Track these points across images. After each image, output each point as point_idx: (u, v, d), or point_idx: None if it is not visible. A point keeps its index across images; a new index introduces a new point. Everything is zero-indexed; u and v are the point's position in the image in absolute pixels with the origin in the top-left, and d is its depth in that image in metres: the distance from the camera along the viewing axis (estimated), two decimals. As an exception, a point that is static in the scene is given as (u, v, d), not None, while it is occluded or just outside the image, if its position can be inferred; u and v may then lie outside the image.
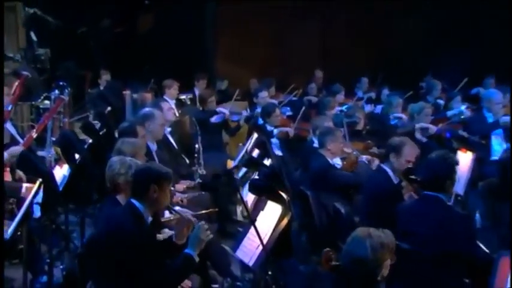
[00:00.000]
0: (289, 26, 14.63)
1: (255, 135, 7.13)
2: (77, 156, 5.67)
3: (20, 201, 4.99)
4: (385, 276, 3.51)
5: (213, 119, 8.82)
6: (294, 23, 14.64)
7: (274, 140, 8.12)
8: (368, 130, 8.35)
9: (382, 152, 6.59)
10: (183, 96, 10.97)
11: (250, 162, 5.90)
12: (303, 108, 9.02)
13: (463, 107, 9.37)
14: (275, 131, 8.38)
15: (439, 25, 13.76)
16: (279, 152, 7.77)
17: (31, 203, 4.62)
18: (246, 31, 14.52)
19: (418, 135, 7.78)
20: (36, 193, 4.68)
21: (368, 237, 3.45)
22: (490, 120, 8.16)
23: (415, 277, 4.33)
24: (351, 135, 7.71)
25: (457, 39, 13.37)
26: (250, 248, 4.40)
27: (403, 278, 4.05)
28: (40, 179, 4.73)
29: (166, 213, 5.59)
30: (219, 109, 8.94)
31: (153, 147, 6.76)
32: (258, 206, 4.64)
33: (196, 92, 11.55)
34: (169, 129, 7.78)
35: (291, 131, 8.42)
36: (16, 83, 6.67)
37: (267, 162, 6.11)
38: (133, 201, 4.13)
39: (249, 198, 5.41)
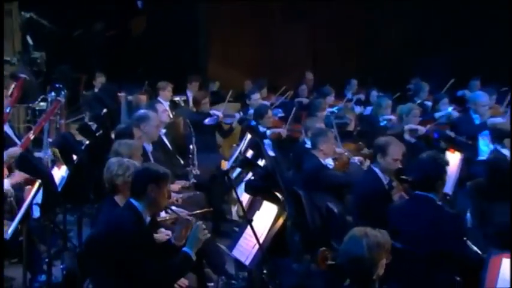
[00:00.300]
0: (279, 29, 14.63)
1: (249, 136, 7.12)
2: (74, 157, 5.66)
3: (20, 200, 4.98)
4: (380, 275, 3.53)
5: (207, 121, 8.80)
6: (284, 26, 14.65)
7: (266, 141, 8.11)
8: (358, 131, 8.36)
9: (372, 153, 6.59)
10: (176, 98, 10.96)
11: (245, 163, 5.89)
12: (294, 109, 9.00)
13: (450, 109, 9.40)
14: (268, 132, 8.37)
15: (426, 28, 13.80)
16: (271, 153, 7.75)
17: (31, 204, 4.60)
18: (237, 34, 14.52)
19: (407, 136, 7.79)
20: (36, 194, 4.66)
21: (364, 236, 3.47)
22: (477, 121, 8.20)
23: (407, 276, 4.32)
24: (342, 136, 7.72)
25: (443, 42, 13.40)
26: (246, 248, 4.39)
27: (396, 277, 4.05)
28: (39, 180, 4.71)
29: (162, 213, 5.59)
30: (213, 112, 8.91)
31: (149, 148, 6.74)
32: (254, 206, 4.63)
33: (189, 94, 11.55)
34: (164, 130, 7.75)
35: (283, 132, 8.42)
36: (13, 86, 6.65)
37: (261, 162, 6.10)
38: (133, 201, 4.15)
39: (244, 198, 5.41)
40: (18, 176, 5.57)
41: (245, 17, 14.57)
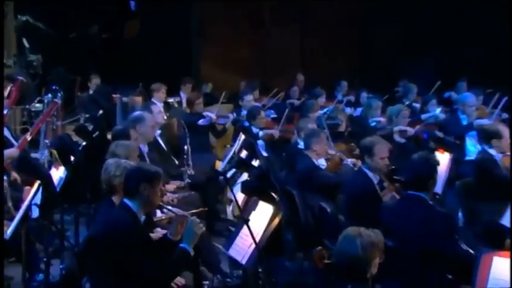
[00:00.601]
0: (271, 32, 14.63)
1: (243, 137, 7.11)
2: (72, 158, 5.63)
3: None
4: (374, 274, 3.53)
5: (200, 122, 8.78)
6: (276, 29, 14.64)
7: (259, 142, 8.09)
8: (349, 132, 8.36)
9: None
10: (170, 100, 10.93)
11: (240, 164, 5.88)
12: (287, 110, 8.99)
13: (438, 110, 9.43)
14: (260, 133, 8.36)
15: (413, 31, 13.83)
16: (264, 153, 7.74)
17: (30, 204, 4.57)
18: (229, 36, 14.51)
19: (396, 136, 7.79)
20: (35, 194, 4.63)
21: (358, 236, 3.48)
22: (465, 122, 8.22)
23: (399, 274, 4.31)
24: (333, 137, 7.71)
25: (429, 44, 13.44)
26: (242, 247, 4.38)
27: (388, 276, 4.04)
28: (39, 181, 4.68)
29: (159, 213, 5.57)
30: (206, 113, 8.89)
31: (145, 149, 6.71)
32: (250, 206, 4.62)
33: (182, 95, 11.53)
34: (159, 131, 7.72)
35: (275, 133, 8.41)
36: (9, 88, 6.61)
37: (255, 163, 6.09)
38: (126, 201, 4.13)
39: (239, 198, 5.40)
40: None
41: (237, 20, 14.56)
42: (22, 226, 4.64)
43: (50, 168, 6.24)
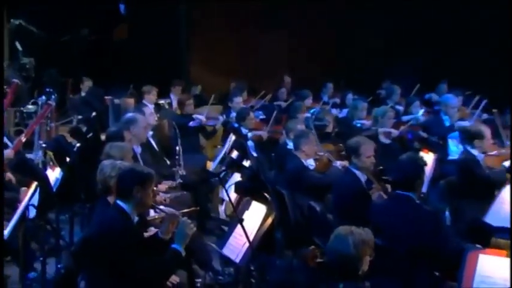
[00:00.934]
0: (258, 35, 14.61)
1: (233, 137, 7.09)
2: (67, 159, 5.60)
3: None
4: (365, 271, 3.54)
5: (191, 123, 8.75)
6: (263, 31, 14.63)
7: (249, 143, 8.07)
8: (336, 133, 8.36)
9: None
10: (161, 101, 10.88)
11: (232, 164, 5.87)
12: (275, 112, 8.99)
13: (421, 112, 9.47)
14: (249, 134, 8.35)
15: (394, 34, 13.87)
16: (254, 154, 7.72)
17: (27, 205, 4.54)
18: (218, 39, 14.48)
19: (381, 137, 7.81)
20: (33, 195, 4.60)
21: (350, 234, 3.51)
22: (447, 123, 8.27)
23: (389, 272, 4.32)
24: (321, 138, 7.69)
25: (409, 47, 13.48)
26: (236, 246, 4.38)
27: (378, 273, 4.04)
28: (36, 182, 4.65)
29: (152, 213, 5.54)
30: (196, 116, 8.85)
31: (138, 150, 6.68)
32: (243, 206, 4.61)
33: (172, 97, 11.48)
34: (151, 132, 7.68)
35: (264, 134, 8.39)
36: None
37: (246, 163, 6.08)
38: (119, 202, 4.10)
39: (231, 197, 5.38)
40: None
41: (225, 23, 14.54)
42: (20, 226, 4.61)
43: (44, 169, 6.21)
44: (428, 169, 6.28)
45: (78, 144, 6.25)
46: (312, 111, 9.52)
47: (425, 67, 12.74)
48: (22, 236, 4.76)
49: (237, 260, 4.33)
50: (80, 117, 9.50)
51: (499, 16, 12.02)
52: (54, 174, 5.63)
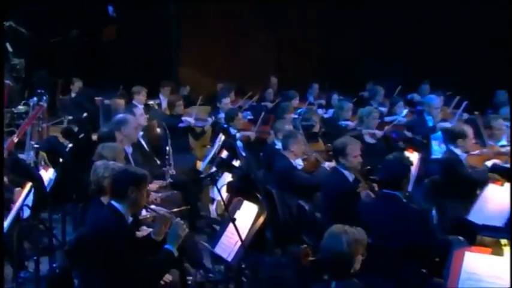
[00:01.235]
0: (246, 36, 14.61)
1: (222, 137, 7.07)
2: (60, 159, 5.57)
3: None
4: (357, 269, 3.55)
5: (180, 124, 8.72)
6: (251, 32, 14.63)
7: (238, 143, 8.06)
8: (323, 133, 8.36)
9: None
10: (150, 102, 10.83)
11: (221, 164, 5.85)
12: (263, 112, 8.97)
13: (404, 112, 9.50)
14: (237, 134, 8.33)
15: (376, 36, 13.92)
16: (243, 154, 7.71)
17: (22, 205, 4.50)
18: (206, 41, 14.44)
19: (367, 137, 7.83)
20: (27, 196, 4.56)
21: (344, 233, 3.51)
22: (430, 123, 8.31)
23: (377, 269, 4.32)
24: (308, 138, 7.69)
25: (393, 49, 13.53)
26: (228, 245, 4.37)
27: (367, 271, 4.05)
28: (30, 183, 4.61)
29: (144, 212, 5.52)
30: (185, 118, 8.81)
31: (129, 150, 6.65)
32: (234, 205, 4.60)
33: (162, 98, 11.44)
34: (141, 133, 7.65)
35: (252, 134, 8.38)
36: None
37: (236, 163, 6.07)
38: (114, 203, 4.08)
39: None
40: None
41: (213, 24, 14.52)
42: (14, 226, 4.57)
43: (37, 169, 6.16)
44: (413, 168, 6.33)
45: (70, 145, 6.20)
46: (298, 111, 9.53)
47: (407, 68, 12.78)
48: (16, 235, 4.70)
49: (229, 259, 4.32)
50: (70, 117, 9.43)
51: (479, 17, 12.11)
52: (47, 175, 5.60)
